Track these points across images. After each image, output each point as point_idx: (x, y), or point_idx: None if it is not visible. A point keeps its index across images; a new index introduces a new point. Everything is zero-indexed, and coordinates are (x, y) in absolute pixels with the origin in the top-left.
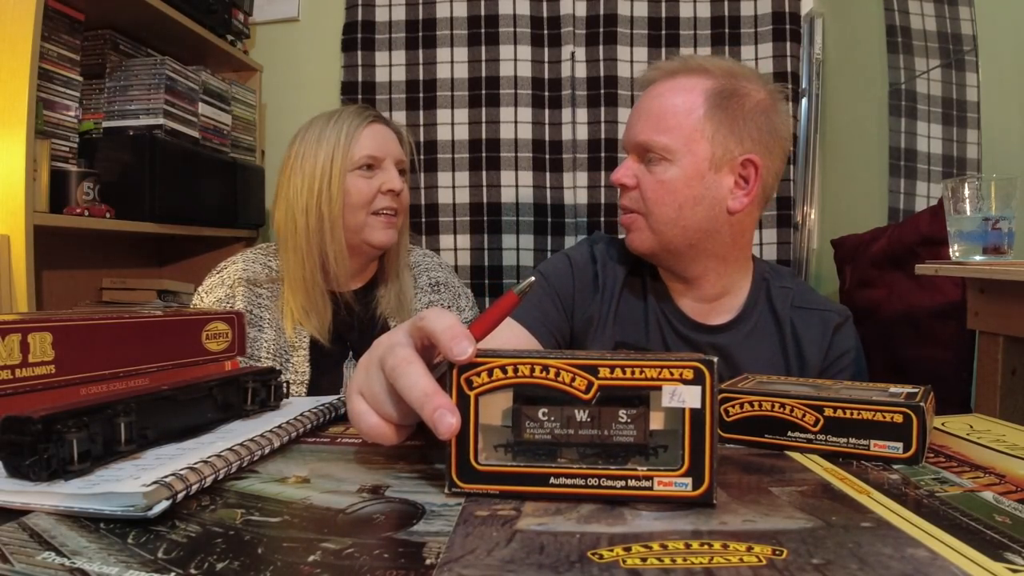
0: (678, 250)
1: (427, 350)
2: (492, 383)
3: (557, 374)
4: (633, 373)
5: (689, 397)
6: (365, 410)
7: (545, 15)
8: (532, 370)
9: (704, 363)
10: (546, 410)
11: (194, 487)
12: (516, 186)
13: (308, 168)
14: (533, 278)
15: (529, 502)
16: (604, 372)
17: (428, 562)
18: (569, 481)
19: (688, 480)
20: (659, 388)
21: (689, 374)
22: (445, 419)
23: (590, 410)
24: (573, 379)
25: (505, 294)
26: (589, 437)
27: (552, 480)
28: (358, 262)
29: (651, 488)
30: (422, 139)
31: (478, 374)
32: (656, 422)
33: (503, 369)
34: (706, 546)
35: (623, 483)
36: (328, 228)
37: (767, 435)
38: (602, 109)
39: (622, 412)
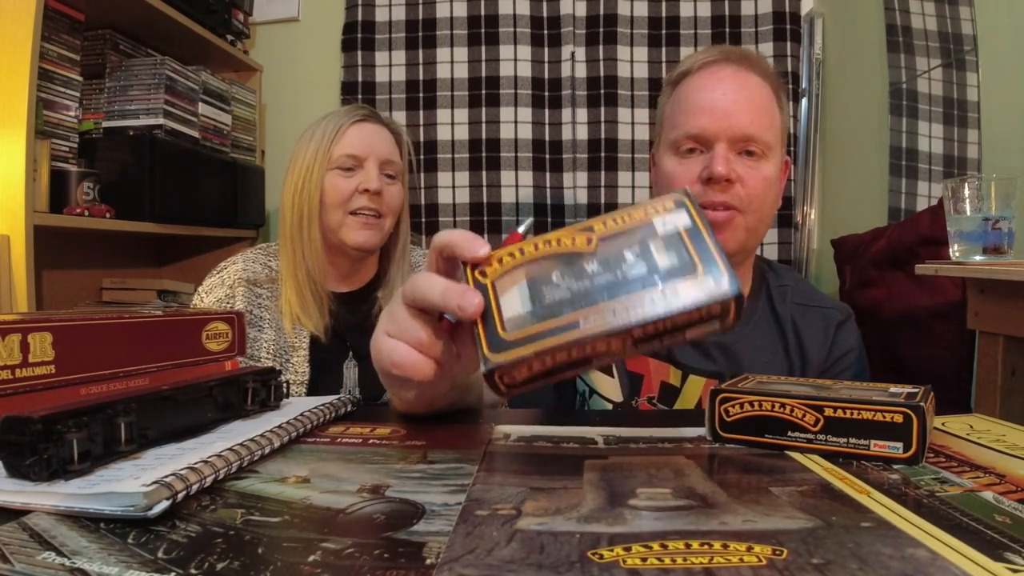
0: (750, 249)
1: (444, 275)
2: (503, 268)
3: (559, 241)
4: (624, 220)
5: (679, 220)
6: (393, 343)
7: (545, 15)
8: (536, 246)
9: (679, 192)
10: (558, 271)
11: (194, 487)
12: (516, 186)
13: (297, 167)
14: (532, 218)
15: (530, 500)
16: (599, 227)
17: (428, 562)
18: (598, 318)
19: (708, 279)
20: (651, 223)
21: (670, 204)
22: (468, 298)
23: (597, 259)
24: (574, 240)
25: (510, 233)
26: (605, 281)
27: (582, 322)
28: (345, 262)
29: (677, 293)
30: (422, 139)
31: (489, 264)
32: (660, 256)
33: (511, 255)
34: (706, 546)
35: (649, 301)
36: (306, 226)
37: (767, 435)
38: (602, 109)
39: (627, 252)
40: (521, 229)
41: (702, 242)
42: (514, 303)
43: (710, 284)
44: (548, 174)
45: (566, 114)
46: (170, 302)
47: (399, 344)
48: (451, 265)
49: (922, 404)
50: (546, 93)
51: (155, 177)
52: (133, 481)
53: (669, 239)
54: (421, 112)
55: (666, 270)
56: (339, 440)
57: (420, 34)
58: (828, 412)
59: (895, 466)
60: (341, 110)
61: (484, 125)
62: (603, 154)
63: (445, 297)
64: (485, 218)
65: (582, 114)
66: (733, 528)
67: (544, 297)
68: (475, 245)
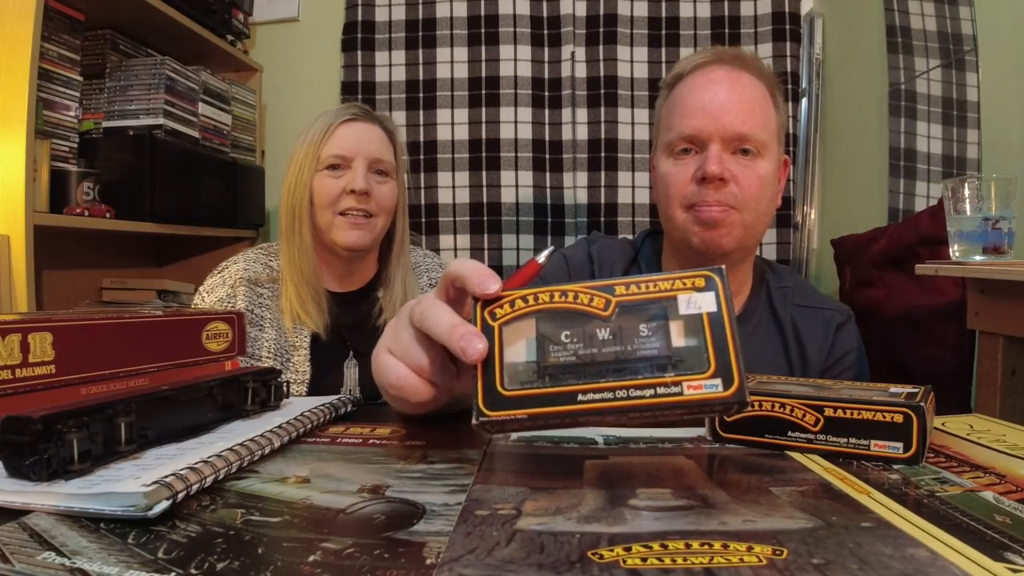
0: (749, 248)
1: (453, 303)
2: (514, 312)
3: (576, 296)
4: (648, 287)
5: (704, 302)
6: (394, 363)
7: (545, 15)
8: (552, 296)
9: (714, 271)
10: (568, 332)
11: (194, 487)
12: (516, 186)
13: (291, 167)
14: (552, 248)
15: (530, 500)
16: (620, 290)
17: (428, 562)
18: (597, 396)
19: (717, 381)
20: (675, 299)
21: (701, 282)
22: (473, 343)
23: (611, 327)
24: (591, 299)
25: (528, 262)
26: (613, 354)
27: (580, 397)
28: (338, 262)
29: (681, 393)
30: (422, 139)
31: (500, 306)
32: (677, 339)
33: (524, 299)
34: (706, 546)
35: (652, 391)
36: (297, 227)
37: (767, 435)
38: (602, 109)
39: (642, 326)
40: (541, 258)
41: (722, 335)
42: (518, 355)
43: (718, 386)
44: (548, 174)
45: (566, 114)
46: (170, 302)
47: (399, 365)
48: (461, 294)
49: (922, 404)
50: (546, 93)
51: (155, 177)
52: (133, 481)
53: (689, 322)
54: (421, 112)
55: (677, 358)
56: (339, 440)
57: (420, 34)
58: (828, 412)
59: (895, 466)
60: (333, 110)
61: (484, 125)
62: (603, 154)
63: (451, 335)
64: (485, 218)
65: (582, 114)
66: (733, 528)
67: (549, 356)
68: (485, 281)
